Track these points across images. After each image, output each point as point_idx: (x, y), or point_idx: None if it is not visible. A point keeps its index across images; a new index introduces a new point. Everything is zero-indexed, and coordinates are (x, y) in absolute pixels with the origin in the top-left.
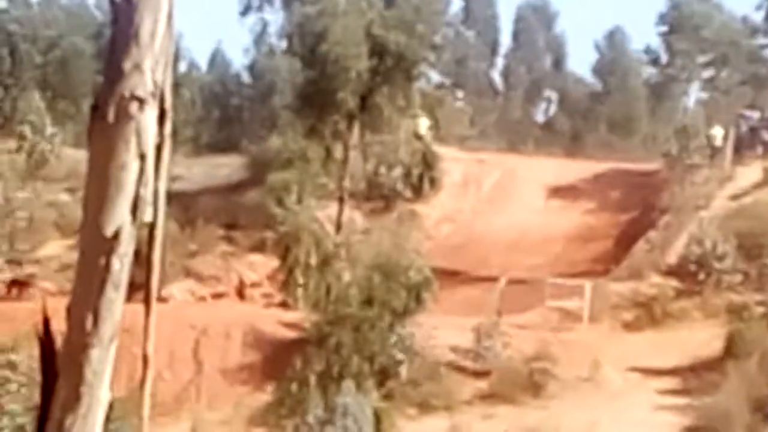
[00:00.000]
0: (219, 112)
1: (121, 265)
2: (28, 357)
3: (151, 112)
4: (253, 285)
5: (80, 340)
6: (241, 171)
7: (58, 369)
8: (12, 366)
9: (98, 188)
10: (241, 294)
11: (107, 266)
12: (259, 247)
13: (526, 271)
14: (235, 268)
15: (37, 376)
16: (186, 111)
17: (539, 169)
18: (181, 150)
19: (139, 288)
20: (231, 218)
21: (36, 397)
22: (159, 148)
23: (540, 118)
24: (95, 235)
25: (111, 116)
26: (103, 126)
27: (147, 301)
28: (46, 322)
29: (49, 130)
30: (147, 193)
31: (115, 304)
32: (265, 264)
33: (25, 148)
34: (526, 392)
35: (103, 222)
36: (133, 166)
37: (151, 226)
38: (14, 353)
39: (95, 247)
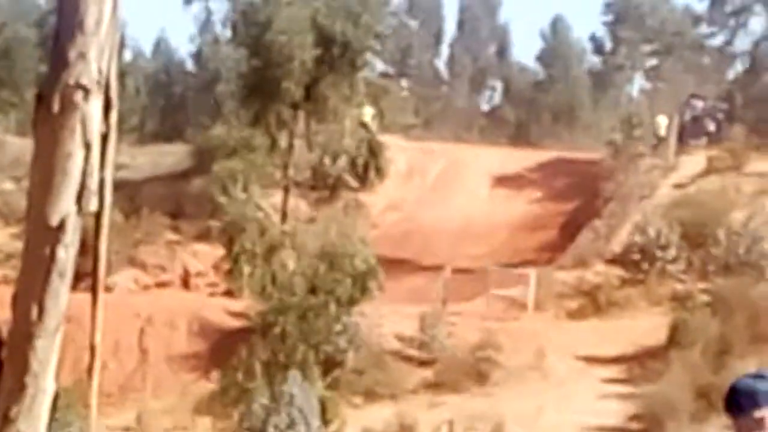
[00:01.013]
0: (164, 101)
1: (67, 255)
2: None
3: (96, 101)
4: (198, 274)
5: (25, 329)
6: (186, 160)
7: (3, 359)
8: None
9: (43, 177)
10: (186, 283)
11: (52, 256)
12: (204, 236)
13: (471, 259)
14: (180, 257)
15: None
16: (130, 99)
17: (484, 158)
18: (126, 139)
19: (83, 277)
20: (176, 207)
21: None
22: (104, 138)
23: (484, 107)
24: (40, 224)
25: (56, 105)
26: (47, 115)
27: (94, 291)
28: None
29: None
30: (92, 182)
31: (61, 294)
32: (210, 253)
33: None
34: (472, 380)
35: (49, 211)
36: (79, 155)
37: (97, 216)
38: None
39: (40, 236)
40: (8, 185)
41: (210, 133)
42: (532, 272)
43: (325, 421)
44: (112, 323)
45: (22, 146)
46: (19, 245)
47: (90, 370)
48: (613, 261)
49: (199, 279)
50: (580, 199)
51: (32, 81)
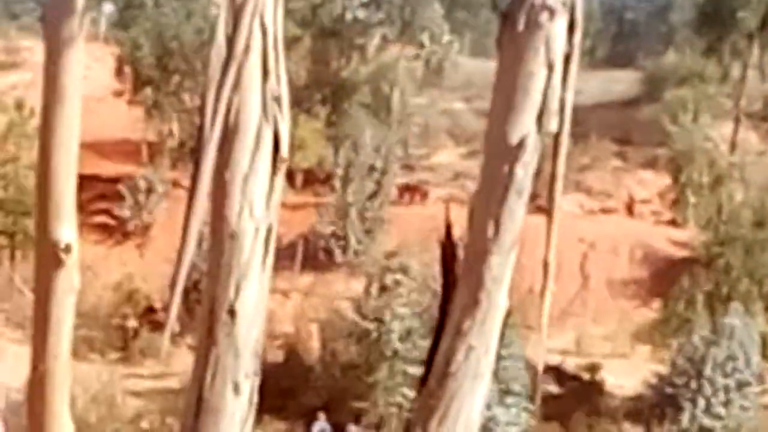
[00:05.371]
0: (616, 27)
1: (525, 173)
2: (419, 262)
3: (561, 22)
4: (643, 202)
5: (481, 246)
6: (636, 87)
7: (458, 274)
8: (404, 270)
9: (505, 96)
10: (630, 210)
11: (511, 174)
12: (651, 164)
13: None
14: (625, 184)
15: (427, 282)
16: (584, 23)
17: None
18: (578, 63)
19: (531, 199)
20: (624, 134)
21: (425, 302)
22: (567, 58)
23: None
24: (500, 142)
25: (521, 24)
26: (512, 34)
27: (549, 211)
28: (448, 228)
29: (446, 38)
30: (553, 102)
31: (517, 212)
32: (655, 181)
33: (422, 56)
34: None
35: (509, 130)
36: (541, 74)
37: (556, 137)
38: (406, 257)
39: (500, 154)
40: (459, 105)
41: (661, 61)
42: None
43: (765, 357)
44: (555, 246)
45: (475, 67)
46: (468, 164)
47: (543, 287)
48: None
49: (643, 207)
50: None
51: (487, 2)
